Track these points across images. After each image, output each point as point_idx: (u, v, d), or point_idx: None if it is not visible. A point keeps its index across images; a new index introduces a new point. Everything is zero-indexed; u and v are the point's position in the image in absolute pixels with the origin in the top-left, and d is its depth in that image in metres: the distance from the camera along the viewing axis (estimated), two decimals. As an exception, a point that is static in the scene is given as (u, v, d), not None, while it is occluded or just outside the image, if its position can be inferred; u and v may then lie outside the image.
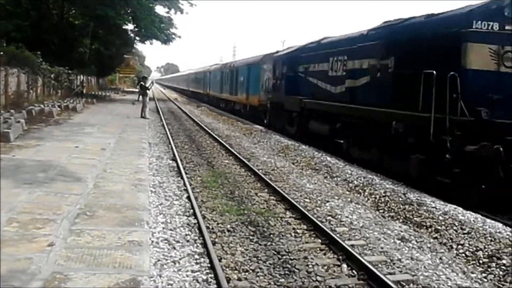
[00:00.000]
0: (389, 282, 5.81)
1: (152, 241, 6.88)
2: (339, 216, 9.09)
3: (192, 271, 6.09)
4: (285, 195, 10.06)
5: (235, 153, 15.55)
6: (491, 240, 7.80)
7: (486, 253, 7.25)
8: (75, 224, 6.47)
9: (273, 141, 19.81)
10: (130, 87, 76.07)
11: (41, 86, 27.42)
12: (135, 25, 42.64)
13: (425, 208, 9.66)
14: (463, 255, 7.30)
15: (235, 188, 10.91)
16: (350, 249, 6.91)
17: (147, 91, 25.76)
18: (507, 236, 8.03)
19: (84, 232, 6.16)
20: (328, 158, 15.44)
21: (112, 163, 11.12)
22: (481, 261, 7.01)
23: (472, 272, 6.64)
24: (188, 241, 7.22)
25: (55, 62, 30.45)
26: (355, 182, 12.07)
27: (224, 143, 17.79)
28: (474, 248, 7.48)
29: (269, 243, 7.40)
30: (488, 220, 8.87)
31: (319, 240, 7.62)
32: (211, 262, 6.34)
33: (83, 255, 5.36)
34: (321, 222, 8.43)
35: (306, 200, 10.25)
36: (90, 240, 5.91)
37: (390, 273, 6.42)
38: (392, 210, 9.61)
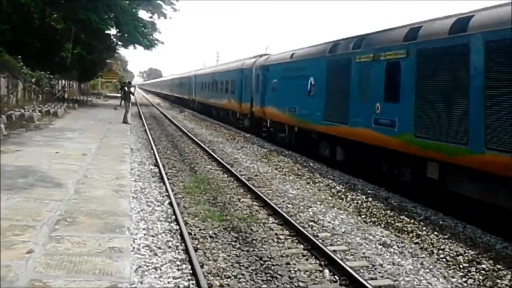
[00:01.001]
0: (371, 288, 5.83)
1: (133, 248, 6.82)
2: (322, 222, 9.11)
3: (174, 278, 6.05)
4: (268, 201, 10.05)
5: (218, 158, 15.52)
6: (471, 245, 7.90)
7: (466, 258, 7.34)
8: (55, 231, 6.38)
9: (256, 146, 19.82)
10: (113, 92, 75.50)
11: (22, 91, 27.07)
12: (118, 30, 42.37)
13: (406, 213, 9.75)
14: (444, 260, 7.36)
15: (218, 194, 10.88)
16: (332, 255, 6.93)
17: (131, 96, 25.59)
18: (487, 241, 8.14)
19: (64, 239, 6.07)
20: (311, 164, 15.51)
21: (93, 168, 11.01)
22: (461, 266, 7.08)
23: (453, 277, 6.70)
24: (170, 247, 7.18)
25: (36, 67, 30.10)
26: (338, 187, 12.13)
27: (207, 149, 17.74)
28: (455, 253, 7.55)
29: (251, 249, 7.38)
30: (468, 225, 8.97)
31: (302, 246, 7.63)
32: (193, 268, 6.32)
33: (62, 262, 5.29)
34: (304, 227, 8.44)
35: (288, 205, 10.26)
36: (70, 246, 5.83)
37: (372, 278, 6.45)
38: (374, 215, 9.66)
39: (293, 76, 17.97)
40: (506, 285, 6.41)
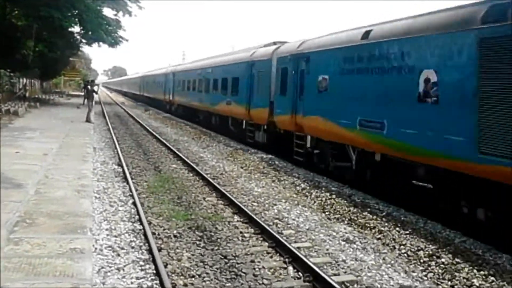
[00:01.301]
0: (334, 283, 5.91)
1: (96, 248, 6.73)
2: (286, 219, 9.18)
3: (137, 278, 6.00)
4: (233, 199, 10.05)
5: (183, 157, 15.42)
6: (431, 240, 8.09)
7: (427, 253, 7.51)
8: (14, 233, 6.22)
9: (222, 145, 19.79)
10: (76, 90, 74.03)
11: (-20, 89, 26.27)
12: (81, 28, 41.51)
13: (369, 209, 9.91)
14: (405, 255, 7.52)
15: (182, 193, 10.81)
16: (296, 252, 6.99)
17: (94, 95, 25.17)
18: (446, 236, 8.36)
19: (23, 241, 5.93)
20: (276, 162, 15.58)
21: (55, 168, 10.78)
22: (421, 260, 7.24)
23: (413, 271, 6.85)
24: (133, 247, 7.10)
25: (-5, 64, 29.24)
26: (302, 185, 12.22)
27: (172, 148, 17.60)
28: (416, 248, 7.72)
29: (216, 248, 7.37)
30: (429, 221, 9.18)
31: (266, 243, 7.67)
32: (156, 268, 6.27)
33: (21, 265, 5.17)
34: (268, 225, 8.48)
35: (254, 203, 10.28)
36: (29, 248, 5.70)
37: (335, 274, 6.54)
38: (338, 212, 9.78)
39: (374, 69, 10.97)
40: (464, 277, 6.59)
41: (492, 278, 6.56)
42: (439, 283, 6.47)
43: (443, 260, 7.20)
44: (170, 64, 51.40)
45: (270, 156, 16.69)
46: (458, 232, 8.51)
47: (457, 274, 6.70)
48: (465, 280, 6.53)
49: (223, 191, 10.79)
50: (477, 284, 6.39)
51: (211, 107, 25.31)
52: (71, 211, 7.37)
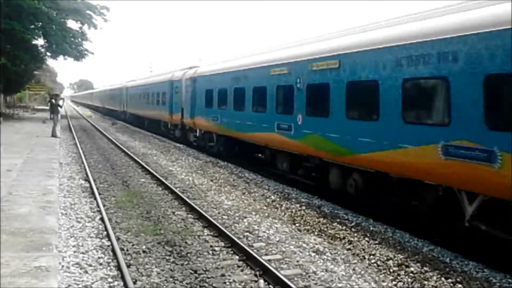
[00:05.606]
0: (305, 295, 5.91)
1: (62, 266, 6.59)
2: (257, 232, 9.14)
3: (105, 295, 5.87)
4: (203, 213, 9.97)
5: (152, 171, 15.25)
6: (400, 249, 8.18)
7: (396, 262, 7.58)
8: (-25, 252, 6.02)
9: (192, 158, 19.66)
10: (41, 104, 72.65)
11: None
12: (45, 40, 40.83)
13: (338, 220, 9.97)
14: (375, 264, 7.57)
15: (151, 208, 10.67)
16: (267, 264, 6.96)
17: (59, 109, 24.74)
18: (415, 245, 8.46)
19: (-15, 260, 5.74)
20: (246, 174, 15.56)
21: (19, 184, 10.51)
22: (391, 270, 7.31)
23: (383, 281, 6.90)
24: (101, 264, 6.97)
25: (-45, 79, 28.40)
26: (273, 197, 12.22)
27: (140, 161, 17.39)
28: (385, 258, 7.79)
29: (186, 263, 7.28)
30: (397, 230, 9.29)
31: (237, 257, 7.62)
32: (125, 284, 6.16)
33: (-17, 285, 4.99)
34: (239, 238, 8.43)
35: (224, 217, 10.22)
36: (-8, 268, 5.51)
37: (306, 286, 6.54)
38: (308, 224, 9.81)
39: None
40: (433, 286, 6.68)
41: (460, 286, 6.66)
42: (408, 292, 6.54)
43: (412, 269, 7.28)
44: (138, 77, 52.35)
45: (240, 168, 16.67)
46: (426, 240, 8.63)
47: (426, 282, 6.79)
48: (433, 288, 6.62)
49: (193, 204, 10.70)
50: (446, 292, 6.48)
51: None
52: (36, 228, 7.18)
